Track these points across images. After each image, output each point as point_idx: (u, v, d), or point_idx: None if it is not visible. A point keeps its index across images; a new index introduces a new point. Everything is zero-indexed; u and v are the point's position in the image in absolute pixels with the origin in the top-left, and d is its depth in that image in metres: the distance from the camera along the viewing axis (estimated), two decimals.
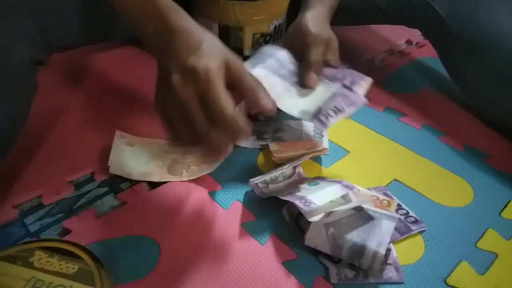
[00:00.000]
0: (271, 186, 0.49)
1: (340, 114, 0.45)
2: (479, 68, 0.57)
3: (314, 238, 0.41)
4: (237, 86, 0.37)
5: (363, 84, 0.50)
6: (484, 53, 0.56)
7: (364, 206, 0.42)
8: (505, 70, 0.54)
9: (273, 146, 0.54)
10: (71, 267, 0.38)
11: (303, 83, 0.51)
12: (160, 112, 0.39)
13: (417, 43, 0.85)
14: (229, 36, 0.62)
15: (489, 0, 0.58)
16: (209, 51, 0.36)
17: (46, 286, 0.37)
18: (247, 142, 0.57)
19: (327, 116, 0.45)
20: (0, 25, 0.42)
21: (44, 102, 0.60)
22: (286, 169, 0.51)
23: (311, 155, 0.53)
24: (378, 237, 0.40)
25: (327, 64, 0.52)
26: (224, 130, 0.36)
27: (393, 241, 0.43)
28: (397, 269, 0.41)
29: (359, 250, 0.40)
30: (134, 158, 0.52)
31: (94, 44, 0.69)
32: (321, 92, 0.50)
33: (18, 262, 0.39)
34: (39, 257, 0.39)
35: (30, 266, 0.38)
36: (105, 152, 0.53)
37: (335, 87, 0.48)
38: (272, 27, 0.63)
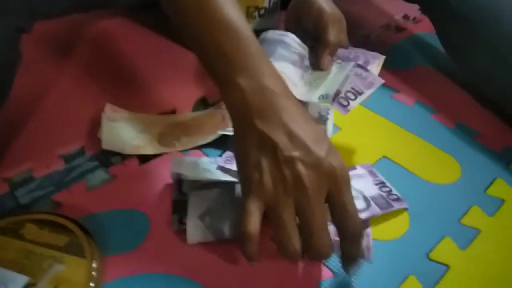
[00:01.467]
0: None
1: (359, 96, 0.45)
2: (475, 44, 0.57)
3: (195, 235, 0.40)
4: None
5: (377, 62, 0.49)
6: (480, 29, 0.55)
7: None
8: (499, 47, 0.54)
9: None
10: (61, 239, 0.39)
11: (318, 65, 0.49)
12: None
13: (414, 18, 0.83)
14: None
15: None
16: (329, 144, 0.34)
17: (37, 257, 0.38)
18: None
19: (347, 99, 0.45)
20: None
21: (33, 73, 0.60)
22: None
23: None
24: None
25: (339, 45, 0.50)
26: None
27: (374, 216, 0.43)
28: (367, 248, 0.41)
29: (238, 225, 0.38)
30: (123, 133, 0.52)
31: (83, 12, 0.68)
32: (336, 73, 0.48)
33: (8, 234, 0.39)
34: (30, 229, 0.40)
35: (21, 238, 0.39)
36: (95, 125, 0.53)
37: (349, 66, 0.47)
38: (266, 0, 0.61)
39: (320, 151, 0.33)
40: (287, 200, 0.32)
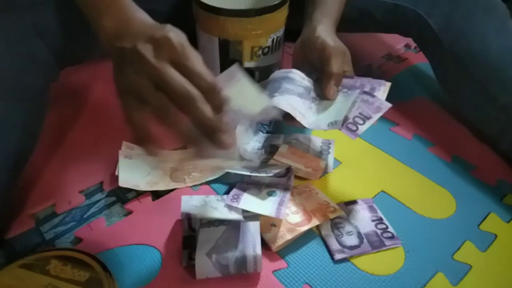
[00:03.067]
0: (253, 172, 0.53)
1: (368, 121, 0.46)
2: (466, 83, 0.60)
3: (203, 271, 0.44)
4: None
5: (383, 88, 0.51)
6: (471, 69, 0.58)
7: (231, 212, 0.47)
8: (489, 87, 0.56)
9: (283, 148, 0.58)
10: (83, 275, 0.43)
11: (323, 95, 0.52)
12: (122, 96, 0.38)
13: (415, 47, 0.86)
14: (228, 49, 0.64)
15: (480, 17, 0.59)
16: (169, 26, 0.37)
17: None
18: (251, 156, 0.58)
19: (355, 124, 0.46)
20: (14, 50, 0.46)
21: (54, 115, 0.65)
22: (275, 168, 0.54)
23: (302, 173, 0.56)
24: (251, 241, 0.45)
25: (344, 75, 0.53)
26: (208, 98, 0.35)
27: (364, 253, 0.47)
28: None
29: (242, 261, 0.44)
30: (137, 170, 0.56)
31: (103, 56, 0.73)
32: (343, 101, 0.51)
33: (36, 269, 0.43)
34: (55, 265, 0.44)
35: (47, 273, 0.43)
36: (112, 162, 0.57)
37: (355, 94, 0.50)
38: (270, 40, 0.65)
39: (155, 29, 0.36)
40: (143, 82, 0.35)
